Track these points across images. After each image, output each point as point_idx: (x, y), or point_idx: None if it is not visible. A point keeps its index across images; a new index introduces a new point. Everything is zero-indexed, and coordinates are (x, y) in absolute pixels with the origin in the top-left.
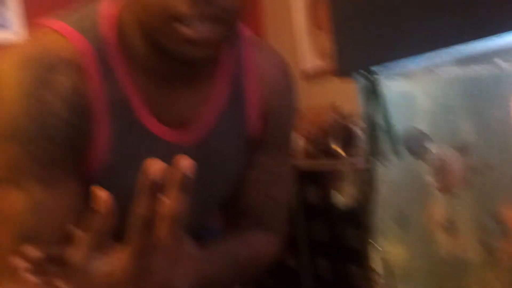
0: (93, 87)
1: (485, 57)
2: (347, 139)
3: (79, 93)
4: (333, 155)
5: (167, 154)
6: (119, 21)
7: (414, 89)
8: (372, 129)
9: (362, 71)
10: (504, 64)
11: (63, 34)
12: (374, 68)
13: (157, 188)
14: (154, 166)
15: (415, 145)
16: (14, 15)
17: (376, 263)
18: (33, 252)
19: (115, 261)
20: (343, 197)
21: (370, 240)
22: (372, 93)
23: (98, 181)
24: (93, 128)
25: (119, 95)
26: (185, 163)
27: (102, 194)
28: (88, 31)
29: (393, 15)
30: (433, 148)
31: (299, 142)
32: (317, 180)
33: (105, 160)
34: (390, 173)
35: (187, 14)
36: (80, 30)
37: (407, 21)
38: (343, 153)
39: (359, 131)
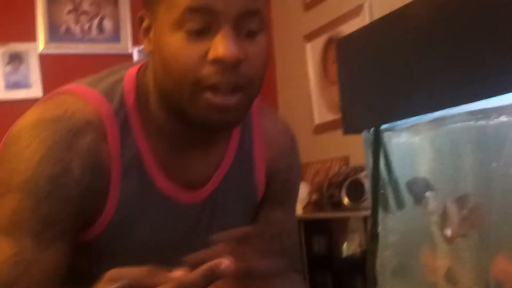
0: (111, 149)
1: (486, 112)
2: (355, 190)
3: (97, 156)
4: (340, 206)
5: (174, 212)
6: (138, 85)
7: (418, 141)
8: (375, 180)
9: (368, 129)
10: (505, 119)
11: (86, 98)
12: (379, 125)
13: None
14: (225, 264)
15: (419, 193)
16: (34, 74)
17: None
18: None
19: None
20: (349, 247)
21: None
22: (377, 146)
23: (101, 237)
24: (106, 189)
25: (134, 156)
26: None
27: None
28: (112, 94)
29: (397, 78)
30: (436, 196)
31: (308, 192)
32: (323, 230)
33: (110, 218)
34: (394, 222)
35: (218, 84)
36: (103, 93)
37: (410, 84)
38: (350, 204)
39: (367, 183)
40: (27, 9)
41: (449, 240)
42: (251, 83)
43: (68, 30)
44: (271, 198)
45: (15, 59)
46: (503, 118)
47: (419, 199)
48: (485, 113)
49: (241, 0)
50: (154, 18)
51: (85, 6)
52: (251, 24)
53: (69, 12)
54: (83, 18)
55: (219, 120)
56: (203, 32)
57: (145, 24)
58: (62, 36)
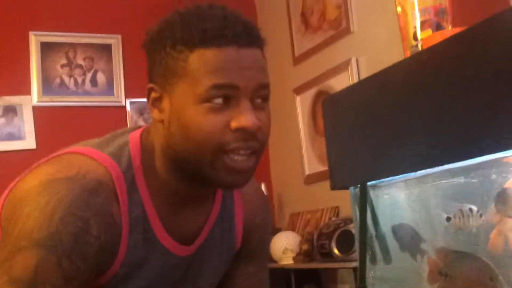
0: (121, 207)
1: (461, 170)
2: (345, 241)
3: (110, 215)
4: (331, 256)
5: (171, 264)
6: (143, 147)
7: (404, 197)
8: (362, 236)
9: (355, 185)
10: (482, 177)
11: (96, 159)
12: (365, 182)
13: None
14: None
15: (404, 238)
16: (28, 126)
17: None
18: None
19: None
20: None
21: None
22: (363, 202)
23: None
24: (117, 244)
25: (141, 212)
26: None
27: None
28: (119, 157)
29: (382, 137)
30: (427, 247)
31: (298, 242)
32: (314, 280)
33: (117, 270)
34: (385, 271)
35: (239, 149)
36: (112, 156)
37: (395, 143)
38: (340, 255)
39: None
40: (21, 62)
41: None
42: (263, 146)
43: (62, 83)
44: (247, 253)
45: (9, 111)
46: (481, 176)
47: (405, 245)
48: (465, 171)
49: (257, 78)
50: (170, 91)
51: (79, 60)
52: (262, 95)
53: (63, 66)
54: (77, 72)
55: (235, 181)
56: (224, 104)
57: (155, 95)
58: (56, 89)
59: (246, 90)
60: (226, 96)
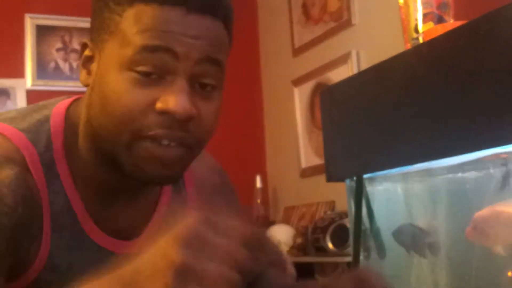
0: (40, 194)
1: (462, 166)
2: (340, 235)
3: (27, 188)
4: (325, 250)
5: (108, 262)
6: (66, 125)
7: (400, 191)
8: (357, 229)
9: (350, 178)
10: (478, 173)
11: (7, 136)
12: (361, 174)
13: None
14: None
15: (411, 241)
16: None
17: None
18: None
19: None
20: None
21: None
22: (359, 195)
23: (33, 285)
24: (39, 229)
25: (64, 205)
26: None
27: None
28: (37, 135)
29: (379, 129)
30: (434, 242)
31: (292, 236)
32: (307, 274)
33: (38, 275)
34: (381, 267)
35: (160, 137)
36: (27, 133)
37: (392, 136)
38: (334, 249)
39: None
40: (16, 45)
41: None
42: (197, 143)
43: (57, 67)
44: None
45: (2, 94)
46: (477, 172)
47: (411, 245)
48: (461, 167)
49: (203, 49)
50: (100, 50)
51: (75, 45)
52: (209, 77)
53: (58, 50)
54: (73, 57)
55: (156, 174)
56: (155, 78)
57: (88, 53)
58: (51, 73)
59: (186, 62)
60: (158, 66)
